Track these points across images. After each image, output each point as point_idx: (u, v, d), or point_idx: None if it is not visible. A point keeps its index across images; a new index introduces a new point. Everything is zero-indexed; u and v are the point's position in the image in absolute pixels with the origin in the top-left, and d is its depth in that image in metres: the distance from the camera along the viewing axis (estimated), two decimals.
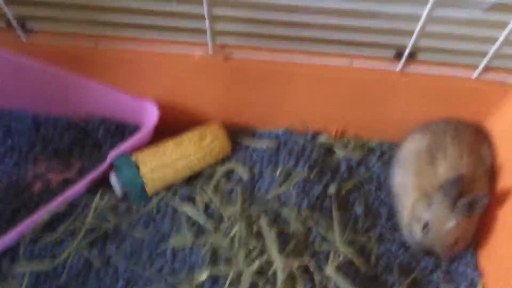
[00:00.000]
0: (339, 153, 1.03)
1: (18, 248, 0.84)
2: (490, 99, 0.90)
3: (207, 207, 0.94)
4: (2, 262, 0.83)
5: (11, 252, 0.84)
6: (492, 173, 0.90)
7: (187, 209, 0.92)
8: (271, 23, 0.85)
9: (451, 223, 0.81)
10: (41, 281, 0.82)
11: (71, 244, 0.86)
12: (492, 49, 0.79)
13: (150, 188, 0.93)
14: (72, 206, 0.90)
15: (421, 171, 0.89)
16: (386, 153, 1.04)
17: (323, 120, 1.03)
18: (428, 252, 0.86)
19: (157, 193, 0.95)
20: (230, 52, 0.90)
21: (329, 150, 1.04)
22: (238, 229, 0.88)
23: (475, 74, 0.86)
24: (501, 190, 0.88)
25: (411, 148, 0.93)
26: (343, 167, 1.01)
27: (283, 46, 0.89)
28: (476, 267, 0.90)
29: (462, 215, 0.81)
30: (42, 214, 0.85)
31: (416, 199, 0.88)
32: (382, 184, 1.00)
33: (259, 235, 0.89)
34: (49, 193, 0.91)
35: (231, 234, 0.88)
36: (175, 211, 0.92)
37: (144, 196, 0.93)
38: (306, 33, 0.85)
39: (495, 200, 0.88)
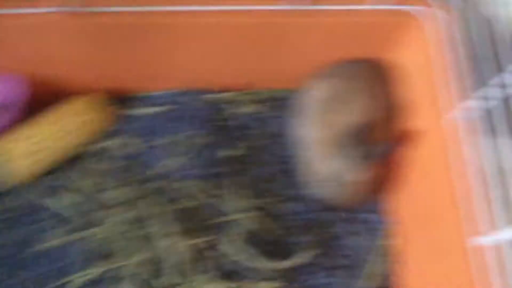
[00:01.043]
0: (240, 109, 0.92)
1: None
2: (392, 33, 0.81)
3: (80, 192, 0.81)
4: None
5: None
6: (398, 114, 0.83)
7: (55, 201, 0.79)
8: None
9: (353, 175, 0.76)
10: None
11: None
12: None
13: (18, 176, 0.79)
14: None
15: (323, 121, 0.82)
16: (290, 103, 0.94)
17: (218, 75, 0.90)
18: (332, 206, 0.82)
19: (21, 185, 0.81)
20: (87, 7, 0.73)
21: (227, 107, 0.92)
22: (120, 216, 0.77)
23: (370, 6, 0.76)
24: (404, 131, 0.82)
25: (312, 97, 0.85)
26: (244, 124, 0.91)
27: None
28: (379, 213, 0.85)
29: (364, 164, 0.76)
30: None
31: (318, 151, 0.81)
32: (286, 138, 0.91)
33: (143, 218, 0.78)
34: None
35: (110, 223, 0.77)
36: (41, 204, 0.79)
37: (10, 185, 0.80)
38: None
39: (398, 143, 0.82)
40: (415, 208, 0.79)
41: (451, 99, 0.69)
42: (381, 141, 0.76)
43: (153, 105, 0.91)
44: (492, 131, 0.62)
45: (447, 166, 0.67)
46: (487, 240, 0.58)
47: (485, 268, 0.58)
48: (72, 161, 0.84)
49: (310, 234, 0.82)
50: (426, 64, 0.75)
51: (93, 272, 0.73)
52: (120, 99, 0.90)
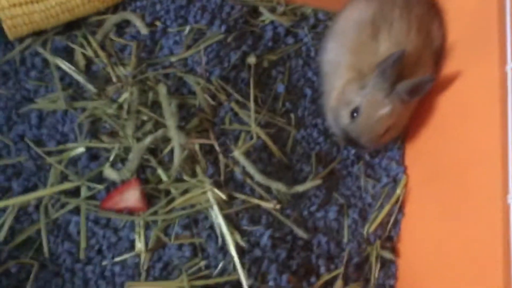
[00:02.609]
0: (266, 15, 0.84)
1: None
2: None
3: (90, 63, 0.74)
4: None
5: None
6: (439, 55, 0.77)
7: (62, 62, 0.71)
8: None
9: (385, 110, 0.69)
10: None
11: None
12: None
13: (10, 28, 0.70)
14: None
15: (359, 47, 0.74)
16: (321, 23, 0.87)
17: None
18: (353, 141, 0.73)
19: (22, 39, 0.72)
20: None
21: (253, 11, 0.84)
22: (129, 94, 0.70)
23: None
24: (444, 76, 0.75)
25: (352, 18, 0.77)
26: (269, 34, 0.83)
27: None
28: (401, 162, 0.80)
29: (399, 100, 0.69)
30: None
31: (348, 79, 0.73)
32: (312, 60, 0.84)
33: (155, 105, 0.72)
34: None
35: (120, 100, 0.70)
36: (46, 63, 0.72)
37: (3, 39, 0.71)
38: None
39: (436, 87, 0.75)
40: (440, 158, 0.72)
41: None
42: (420, 78, 0.69)
43: None
44: None
45: (502, 114, 0.60)
46: None
47: None
48: (84, 25, 0.76)
49: (325, 167, 0.77)
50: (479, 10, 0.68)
51: (97, 145, 0.67)
52: None
